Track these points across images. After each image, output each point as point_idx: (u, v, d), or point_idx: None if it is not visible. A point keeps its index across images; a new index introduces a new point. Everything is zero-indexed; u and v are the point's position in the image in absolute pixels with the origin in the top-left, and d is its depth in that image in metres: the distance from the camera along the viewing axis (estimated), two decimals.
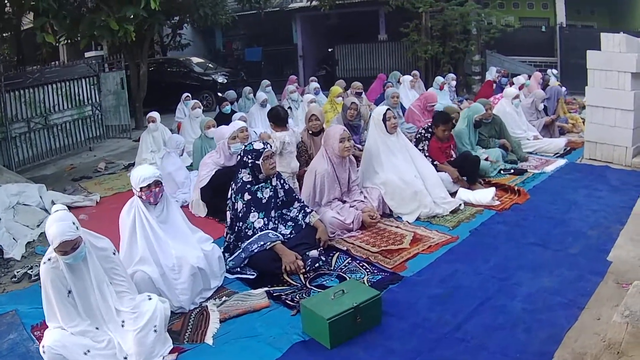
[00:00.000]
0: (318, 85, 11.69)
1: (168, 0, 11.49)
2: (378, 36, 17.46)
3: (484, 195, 5.96)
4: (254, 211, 4.44)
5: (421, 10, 14.08)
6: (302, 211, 4.81)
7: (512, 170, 7.21)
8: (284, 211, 4.80)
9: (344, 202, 5.49)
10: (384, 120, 5.76)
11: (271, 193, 4.61)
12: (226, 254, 4.53)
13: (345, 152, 5.19)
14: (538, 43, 14.92)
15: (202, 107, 10.06)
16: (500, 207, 5.84)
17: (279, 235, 4.50)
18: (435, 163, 6.46)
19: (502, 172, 7.21)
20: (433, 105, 8.98)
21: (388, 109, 5.87)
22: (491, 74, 14.04)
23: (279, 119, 6.42)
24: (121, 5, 8.29)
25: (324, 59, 18.55)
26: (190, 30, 18.18)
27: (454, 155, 6.75)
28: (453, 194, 6.09)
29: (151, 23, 12.37)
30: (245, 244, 4.38)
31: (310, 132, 6.53)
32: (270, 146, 4.66)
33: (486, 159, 7.07)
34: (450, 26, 14.24)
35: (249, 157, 4.51)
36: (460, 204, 5.87)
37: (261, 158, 4.43)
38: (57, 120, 11.15)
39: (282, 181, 4.78)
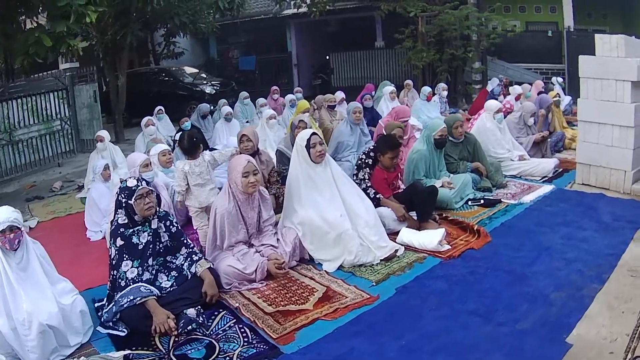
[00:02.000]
0: (295, 97, 10.47)
1: (141, 10, 10.55)
2: (375, 43, 16.14)
3: (430, 237, 4.70)
4: (127, 259, 3.77)
5: (412, 14, 12.77)
6: (189, 259, 4.03)
7: (482, 201, 5.87)
8: (168, 258, 4.03)
9: (251, 245, 4.44)
10: (308, 147, 4.63)
11: (149, 238, 3.86)
12: (106, 303, 3.89)
13: (250, 188, 4.25)
14: (544, 49, 13.41)
15: (155, 125, 9.11)
16: (448, 253, 4.58)
17: (152, 289, 3.74)
18: (378, 196, 5.19)
19: (469, 203, 5.88)
20: (405, 121, 7.66)
21: (314, 134, 4.72)
22: (492, 84, 12.62)
23: (183, 147, 5.22)
24: (53, 21, 7.39)
25: (321, 67, 17.34)
26: (188, 38, 17.19)
27: (402, 186, 5.48)
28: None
29: (124, 33, 11.53)
30: (118, 296, 3.71)
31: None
32: (146, 183, 3.93)
33: (443, 186, 5.77)
34: (447, 32, 12.86)
35: (123, 195, 3.83)
36: (397, 250, 4.60)
37: (134, 197, 3.76)
38: (22, 135, 10.61)
39: (167, 223, 4.02)
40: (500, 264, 4.31)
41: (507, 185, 6.44)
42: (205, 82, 15.24)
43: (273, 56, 18.39)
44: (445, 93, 11.04)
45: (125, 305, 3.59)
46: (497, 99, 9.97)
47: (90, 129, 12.05)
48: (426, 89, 10.56)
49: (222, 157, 5.40)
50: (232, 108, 10.83)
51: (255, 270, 4.17)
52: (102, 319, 3.75)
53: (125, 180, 3.93)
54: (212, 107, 11.34)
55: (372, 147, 5.54)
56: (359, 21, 15.42)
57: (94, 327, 3.71)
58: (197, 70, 16.15)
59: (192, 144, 5.10)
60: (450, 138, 6.36)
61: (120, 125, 13.10)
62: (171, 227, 4.01)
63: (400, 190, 5.49)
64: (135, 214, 3.79)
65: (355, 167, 5.51)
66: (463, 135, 6.41)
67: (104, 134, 8.40)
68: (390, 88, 10.23)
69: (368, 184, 5.33)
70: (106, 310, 3.76)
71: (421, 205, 5.22)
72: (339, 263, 4.41)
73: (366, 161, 5.43)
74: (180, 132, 6.01)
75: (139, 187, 3.77)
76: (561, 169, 7.03)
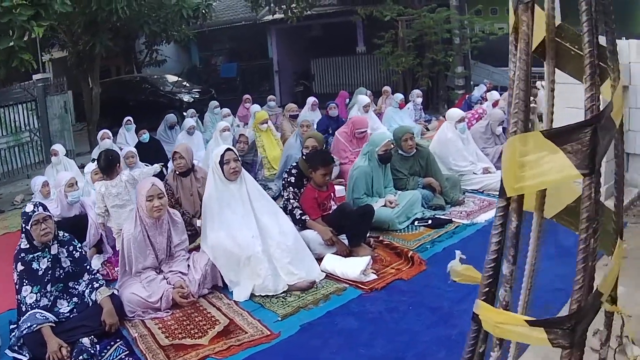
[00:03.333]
0: (258, 107, 9.80)
1: (107, 20, 10.19)
2: (356, 48, 15.46)
3: (354, 266, 4.05)
4: (26, 284, 3.63)
5: (388, 18, 12.08)
6: (90, 285, 3.82)
7: (429, 221, 5.17)
8: (70, 284, 3.82)
9: (161, 272, 4.03)
10: (222, 163, 4.25)
11: (49, 264, 3.70)
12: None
13: (155, 213, 3.88)
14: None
15: (111, 138, 8.57)
16: (371, 285, 3.94)
17: (48, 316, 3.54)
18: (304, 218, 4.55)
19: (416, 223, 5.19)
20: (362, 132, 7.02)
21: (228, 150, 4.33)
22: (479, 90, 11.91)
23: (100, 167, 5.06)
24: None
25: (303, 73, 16.68)
26: (171, 45, 16.62)
27: (333, 206, 4.82)
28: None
29: (93, 43, 11.02)
30: (20, 321, 3.59)
31: (177, 172, 5.15)
32: (44, 208, 3.71)
33: (385, 205, 5.10)
34: (426, 35, 12.17)
35: (22, 220, 3.71)
36: (314, 280, 3.99)
37: (30, 223, 3.60)
38: None
39: (70, 248, 3.83)
40: (427, 299, 3.67)
41: (464, 202, 5.75)
42: (185, 90, 14.66)
43: (254, 63, 17.76)
44: (419, 100, 10.35)
45: (24, 332, 3.43)
46: (473, 106, 9.38)
47: (62, 140, 11.60)
48: (398, 96, 9.90)
49: (143, 176, 4.95)
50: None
51: (161, 299, 3.80)
52: (10, 342, 3.58)
53: (25, 205, 3.80)
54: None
55: (294, 164, 5.00)
56: (340, 26, 14.77)
57: (2, 350, 3.55)
58: (179, 79, 15.61)
59: (109, 163, 4.88)
60: (400, 151, 5.70)
61: (94, 135, 12.54)
62: (74, 252, 3.81)
63: (329, 212, 4.80)
64: (33, 239, 3.63)
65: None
66: (414, 149, 5.74)
67: (59, 147, 8.07)
68: (364, 99, 9.51)
69: (294, 205, 4.74)
70: (13, 334, 3.60)
71: (351, 228, 4.58)
72: (250, 290, 3.91)
73: (289, 180, 4.84)
74: (100, 153, 5.48)
75: (35, 213, 3.61)
76: None
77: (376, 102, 11.60)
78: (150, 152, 8.30)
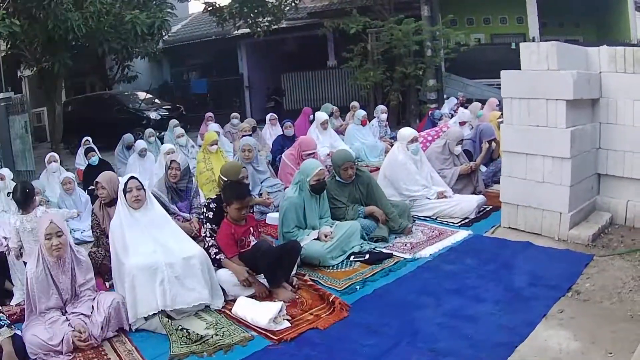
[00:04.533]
0: (219, 129, 8.99)
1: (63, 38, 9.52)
2: (327, 62, 14.68)
3: (265, 312, 3.34)
4: None
5: (353, 31, 11.35)
6: None
7: (366, 256, 4.36)
8: None
9: (65, 312, 3.59)
10: (125, 191, 3.88)
11: None
12: None
13: (54, 252, 3.48)
14: (508, 62, 11.74)
15: (58, 161, 7.77)
16: (282, 334, 3.25)
17: None
18: (218, 257, 3.84)
19: (352, 258, 4.38)
20: (310, 154, 6.22)
21: (131, 178, 3.96)
22: (449, 104, 11.16)
23: (16, 200, 4.57)
24: None
25: (276, 89, 15.87)
26: (145, 61, 15.87)
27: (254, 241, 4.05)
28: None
29: (53, 62, 10.31)
30: None
31: (103, 202, 4.66)
32: None
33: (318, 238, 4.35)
34: (395, 48, 11.41)
35: None
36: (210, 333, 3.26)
37: None
38: None
39: None
40: (339, 355, 2.96)
41: (411, 231, 4.93)
42: (152, 107, 13.86)
43: (225, 78, 16.96)
44: (384, 116, 9.55)
45: None
46: (437, 123, 8.61)
47: (23, 161, 11.02)
48: (360, 113, 9.09)
49: (65, 215, 4.94)
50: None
51: (62, 342, 3.36)
52: None
53: None
54: (158, 134, 10.26)
55: (212, 198, 4.30)
56: (311, 40, 13.96)
57: None
58: (149, 96, 14.80)
59: (25, 196, 4.49)
60: (338, 179, 4.91)
61: (57, 153, 11.78)
62: None
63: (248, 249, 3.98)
64: None
65: None
66: (352, 177, 4.94)
67: (5, 172, 7.08)
68: (321, 116, 8.73)
69: (210, 242, 4.01)
70: None
71: (268, 268, 3.81)
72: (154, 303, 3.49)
73: (207, 215, 4.13)
74: (15, 185, 4.85)
75: None
76: (490, 207, 5.51)
77: (344, 117, 10.88)
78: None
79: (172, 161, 5.51)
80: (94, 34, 10.21)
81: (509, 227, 4.93)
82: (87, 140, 9.58)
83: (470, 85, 12.39)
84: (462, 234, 4.85)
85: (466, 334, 3.06)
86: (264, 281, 3.86)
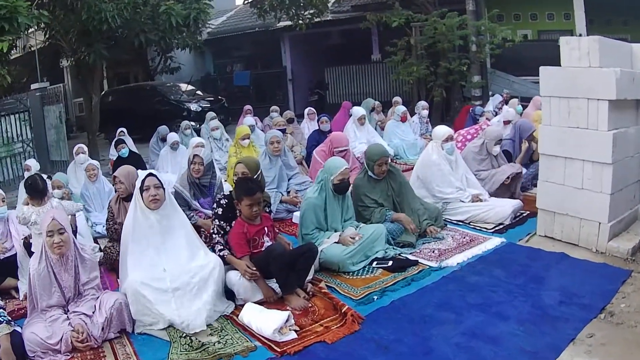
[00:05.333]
0: (253, 122, 8.91)
1: (98, 29, 9.69)
2: (371, 56, 14.35)
3: (270, 321, 3.23)
4: None
5: (394, 24, 11.00)
6: None
7: (389, 263, 4.16)
8: None
9: (68, 311, 3.52)
10: (142, 189, 3.71)
11: None
12: None
13: (56, 250, 3.39)
14: (555, 59, 11.21)
15: (86, 152, 7.73)
16: (286, 346, 3.10)
17: None
18: (222, 254, 3.80)
19: (374, 264, 4.19)
20: (342, 151, 6.04)
21: (150, 175, 3.74)
22: (494, 101, 10.69)
23: (31, 191, 4.60)
24: None
25: (319, 82, 15.68)
26: (188, 53, 16.04)
27: (268, 242, 3.94)
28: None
29: (89, 53, 10.57)
30: None
31: (120, 196, 4.63)
32: None
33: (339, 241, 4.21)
34: (439, 43, 11.01)
35: None
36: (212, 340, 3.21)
37: None
38: None
39: None
40: None
41: (435, 231, 4.73)
42: (194, 99, 13.97)
43: (268, 71, 16.91)
44: (425, 112, 9.23)
45: None
46: (478, 120, 8.24)
47: (57, 151, 11.39)
48: (400, 109, 8.81)
49: (69, 209, 4.75)
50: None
51: (60, 341, 3.30)
52: None
53: None
54: (198, 126, 10.38)
55: (225, 194, 4.12)
56: (356, 33, 13.68)
57: None
58: (191, 87, 14.94)
59: (37, 189, 4.52)
60: (370, 174, 4.73)
61: (94, 144, 12.12)
62: None
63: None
64: None
65: None
66: (385, 173, 4.75)
67: (32, 163, 7.33)
68: (357, 111, 8.50)
69: (216, 239, 3.91)
70: None
71: (279, 273, 3.67)
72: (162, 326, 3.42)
73: (216, 211, 4.00)
74: (28, 177, 4.96)
75: None
76: (527, 212, 5.19)
77: (386, 113, 10.60)
78: None
79: (195, 155, 5.39)
80: (130, 25, 10.25)
81: (545, 236, 4.63)
82: (121, 131, 9.61)
83: (516, 82, 11.85)
84: (494, 242, 4.59)
85: (483, 357, 2.83)
86: (277, 286, 3.72)
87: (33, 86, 11.55)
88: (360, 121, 8.42)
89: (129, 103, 14.22)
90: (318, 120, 7.98)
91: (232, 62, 17.85)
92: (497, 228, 4.93)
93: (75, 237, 5.05)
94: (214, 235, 3.91)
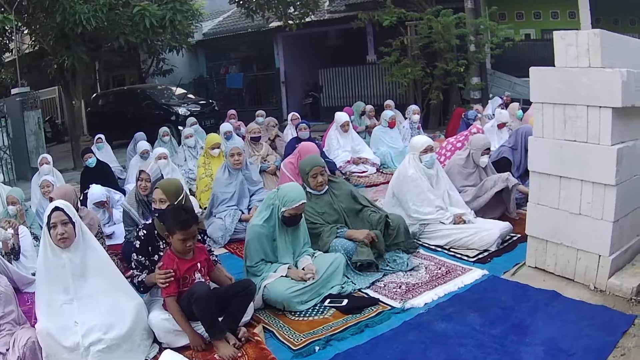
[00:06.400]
0: (231, 129, 8.21)
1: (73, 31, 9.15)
2: (367, 57, 13.56)
3: None
4: None
5: (386, 23, 10.23)
6: None
7: (344, 302, 3.43)
8: None
9: None
10: (48, 226, 3.04)
11: None
12: None
13: None
14: None
15: (50, 163, 7.21)
16: None
17: None
18: (140, 280, 3.27)
19: (327, 302, 3.47)
20: None
21: (56, 209, 3.05)
22: (493, 104, 9.89)
23: None
24: None
25: (315, 85, 14.93)
26: (182, 54, 15.40)
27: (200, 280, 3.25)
28: None
29: (67, 57, 9.99)
30: None
31: None
32: None
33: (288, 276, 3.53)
34: (435, 43, 10.22)
35: None
36: None
37: None
38: None
39: None
40: None
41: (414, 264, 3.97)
42: (183, 102, 13.32)
43: (261, 73, 16.18)
44: (416, 117, 8.46)
45: None
46: (470, 125, 7.45)
47: (37, 157, 10.73)
48: (387, 113, 8.05)
49: None
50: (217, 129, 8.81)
51: None
52: None
53: None
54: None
55: (146, 223, 3.45)
56: (350, 34, 12.94)
57: None
58: (182, 90, 14.28)
59: None
60: (308, 190, 4.02)
61: (77, 151, 11.51)
62: None
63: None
64: None
65: None
66: (324, 185, 4.03)
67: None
68: (341, 117, 7.76)
69: (134, 274, 3.28)
70: None
71: (203, 317, 3.02)
72: None
73: (134, 244, 3.35)
74: None
75: None
76: (518, 236, 4.41)
77: (377, 117, 9.84)
78: (97, 179, 6.93)
79: (141, 171, 4.79)
80: (109, 27, 9.65)
81: (536, 267, 3.87)
82: (99, 137, 9.19)
83: (518, 84, 11.03)
84: (475, 275, 3.83)
85: None
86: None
87: (13, 91, 11.08)
88: (344, 128, 7.68)
89: (119, 106, 13.73)
90: (297, 127, 7.23)
91: (225, 64, 17.13)
92: (480, 256, 4.16)
93: (18, 259, 4.51)
94: (134, 272, 3.28)
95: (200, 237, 3.40)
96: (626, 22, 11.19)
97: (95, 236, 4.35)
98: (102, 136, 9.44)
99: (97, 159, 7.57)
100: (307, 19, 12.12)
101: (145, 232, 3.30)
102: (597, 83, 3.35)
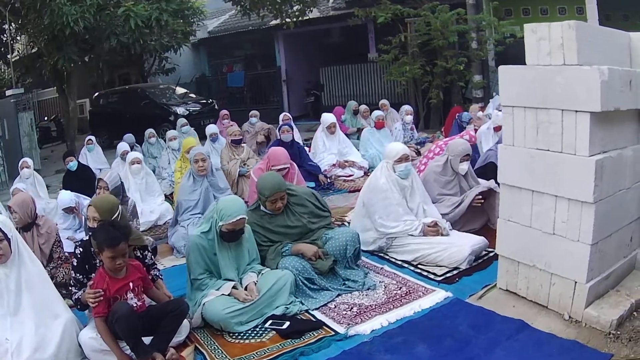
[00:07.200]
0: (216, 131, 7.87)
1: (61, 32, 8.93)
2: (368, 55, 13.06)
3: None
4: None
5: (380, 20, 9.74)
6: None
7: (285, 324, 3.07)
8: None
9: None
10: None
11: None
12: None
13: None
14: None
15: (31, 167, 7.00)
16: None
17: None
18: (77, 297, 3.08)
19: (270, 323, 3.13)
20: (281, 169, 4.89)
21: None
22: (494, 102, 9.35)
23: None
24: None
25: (317, 83, 14.47)
26: (185, 53, 15.10)
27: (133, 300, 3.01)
28: None
29: (58, 58, 9.78)
30: None
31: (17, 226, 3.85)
32: None
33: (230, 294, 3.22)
34: (434, 40, 9.70)
35: None
36: None
37: None
38: None
39: None
40: None
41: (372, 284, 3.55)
42: (182, 102, 13.03)
43: (262, 72, 15.78)
44: (409, 118, 7.98)
45: None
46: (465, 128, 6.96)
47: (30, 158, 10.61)
48: (375, 113, 7.58)
49: None
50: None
51: None
52: None
53: None
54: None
55: (82, 240, 3.27)
56: (351, 31, 12.48)
57: None
58: (184, 90, 13.99)
59: None
60: (263, 208, 3.62)
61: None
62: None
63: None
64: None
65: None
66: (281, 209, 3.63)
67: None
68: (328, 119, 7.35)
69: (73, 291, 3.12)
70: None
71: (127, 337, 2.84)
72: None
73: (72, 262, 3.19)
74: None
75: None
76: (495, 252, 3.93)
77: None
78: (78, 182, 6.71)
79: (99, 179, 4.51)
80: (99, 28, 9.42)
81: (507, 290, 3.40)
82: (90, 139, 8.97)
83: None
84: (437, 297, 3.40)
85: None
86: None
87: (8, 92, 10.99)
88: (331, 130, 7.27)
89: (119, 106, 13.55)
90: (279, 130, 6.83)
91: (228, 63, 16.79)
92: (449, 275, 3.71)
93: None
94: (71, 288, 3.14)
95: (139, 254, 3.23)
96: (637, 17, 10.49)
97: (53, 245, 4.21)
98: (93, 138, 9.33)
99: (78, 162, 7.44)
100: (305, 17, 11.66)
101: (81, 249, 3.10)
102: (573, 83, 2.88)
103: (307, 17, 11.82)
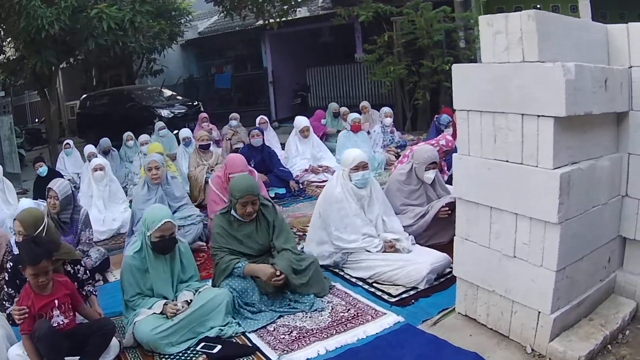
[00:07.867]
0: (190, 135, 7.48)
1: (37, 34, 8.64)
2: (355, 56, 12.64)
3: None
4: None
5: (362, 19, 9.32)
6: None
7: (216, 348, 2.75)
8: None
9: None
10: None
11: None
12: None
13: None
14: None
15: (1, 172, 6.62)
16: None
17: None
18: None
19: (202, 346, 2.80)
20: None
21: None
22: None
23: None
24: None
25: (304, 85, 14.05)
26: (173, 54, 14.71)
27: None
28: None
29: (35, 62, 9.49)
30: None
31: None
32: None
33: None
34: (420, 39, 9.26)
35: None
36: None
37: None
38: None
39: None
40: None
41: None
42: (168, 104, 12.65)
43: (249, 73, 15.37)
44: (389, 120, 7.57)
45: None
46: (443, 132, 6.55)
47: (11, 163, 10.35)
48: (352, 116, 7.17)
49: None
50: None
51: None
52: None
53: None
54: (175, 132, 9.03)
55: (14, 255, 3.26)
56: (338, 31, 12.06)
57: None
58: (171, 92, 13.61)
59: None
60: (233, 214, 3.25)
61: (55, 154, 10.99)
62: None
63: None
64: None
65: None
66: (252, 216, 3.24)
67: None
68: (301, 122, 6.96)
69: (7, 305, 2.96)
70: None
71: (47, 357, 2.63)
72: None
73: (3, 276, 3.23)
74: None
75: None
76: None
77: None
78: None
79: (48, 189, 4.15)
80: (76, 31, 9.05)
81: (466, 315, 2.99)
82: (67, 143, 8.70)
83: None
84: (386, 321, 3.01)
85: None
86: None
87: None
88: (304, 133, 6.86)
89: (106, 108, 13.20)
90: (249, 134, 6.44)
91: (217, 64, 16.39)
92: (405, 295, 3.30)
93: None
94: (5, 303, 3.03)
95: (70, 269, 3.00)
96: (634, 16, 10.03)
97: (4, 255, 3.88)
98: (71, 142, 9.08)
99: (48, 167, 7.20)
100: (289, 17, 11.26)
101: (12, 264, 2.96)
102: (534, 83, 2.47)
103: (291, 17, 11.41)
